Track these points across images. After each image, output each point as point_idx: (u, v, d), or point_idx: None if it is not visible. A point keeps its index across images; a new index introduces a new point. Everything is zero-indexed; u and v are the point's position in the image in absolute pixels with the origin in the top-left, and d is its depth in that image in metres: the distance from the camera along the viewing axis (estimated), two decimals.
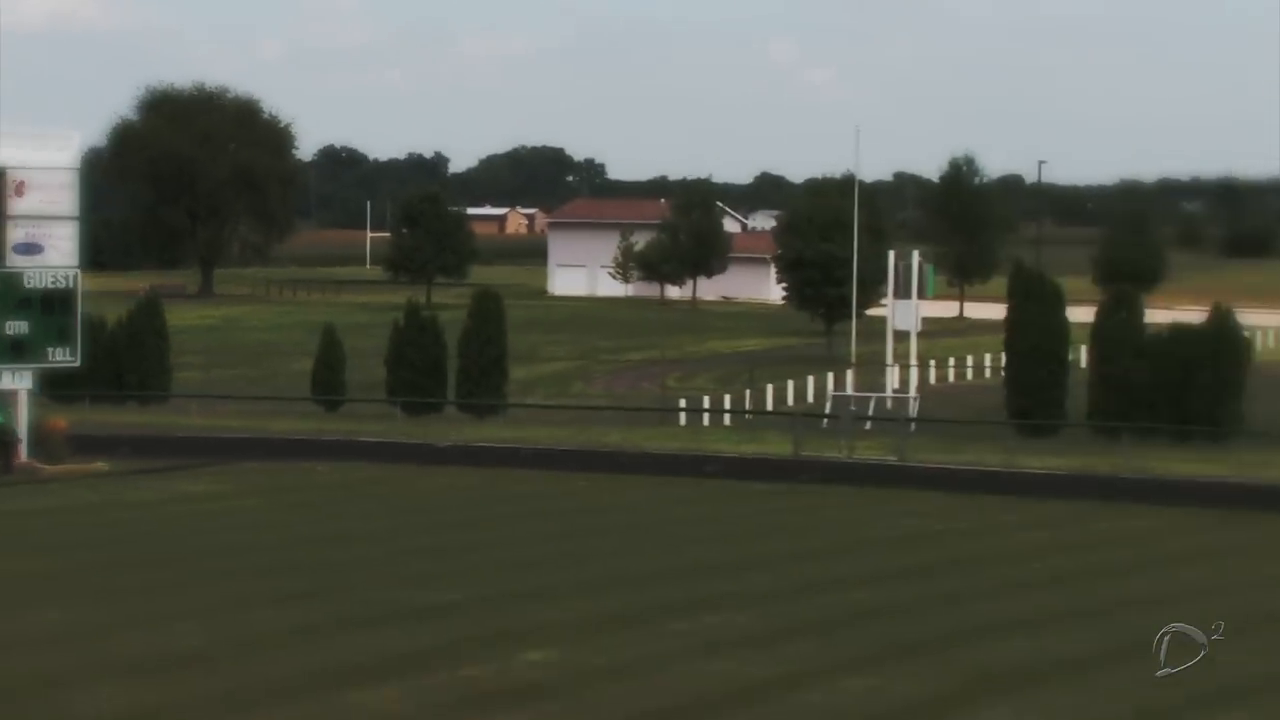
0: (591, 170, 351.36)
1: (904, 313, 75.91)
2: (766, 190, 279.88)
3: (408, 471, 56.97)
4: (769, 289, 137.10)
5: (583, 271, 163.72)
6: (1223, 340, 65.35)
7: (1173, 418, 63.85)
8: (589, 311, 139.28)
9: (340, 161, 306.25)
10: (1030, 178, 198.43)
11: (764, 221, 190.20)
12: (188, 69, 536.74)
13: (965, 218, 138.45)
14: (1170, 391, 64.28)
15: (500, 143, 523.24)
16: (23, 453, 55.69)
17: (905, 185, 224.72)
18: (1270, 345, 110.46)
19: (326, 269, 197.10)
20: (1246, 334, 69.11)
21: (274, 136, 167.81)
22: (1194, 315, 70.71)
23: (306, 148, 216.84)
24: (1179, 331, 66.08)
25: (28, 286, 56.15)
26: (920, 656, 31.62)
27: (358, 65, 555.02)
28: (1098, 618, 35.58)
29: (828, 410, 72.62)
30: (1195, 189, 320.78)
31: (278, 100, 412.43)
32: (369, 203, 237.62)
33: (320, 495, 52.56)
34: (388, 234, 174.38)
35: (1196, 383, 64.06)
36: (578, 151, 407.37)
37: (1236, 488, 54.15)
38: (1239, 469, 57.13)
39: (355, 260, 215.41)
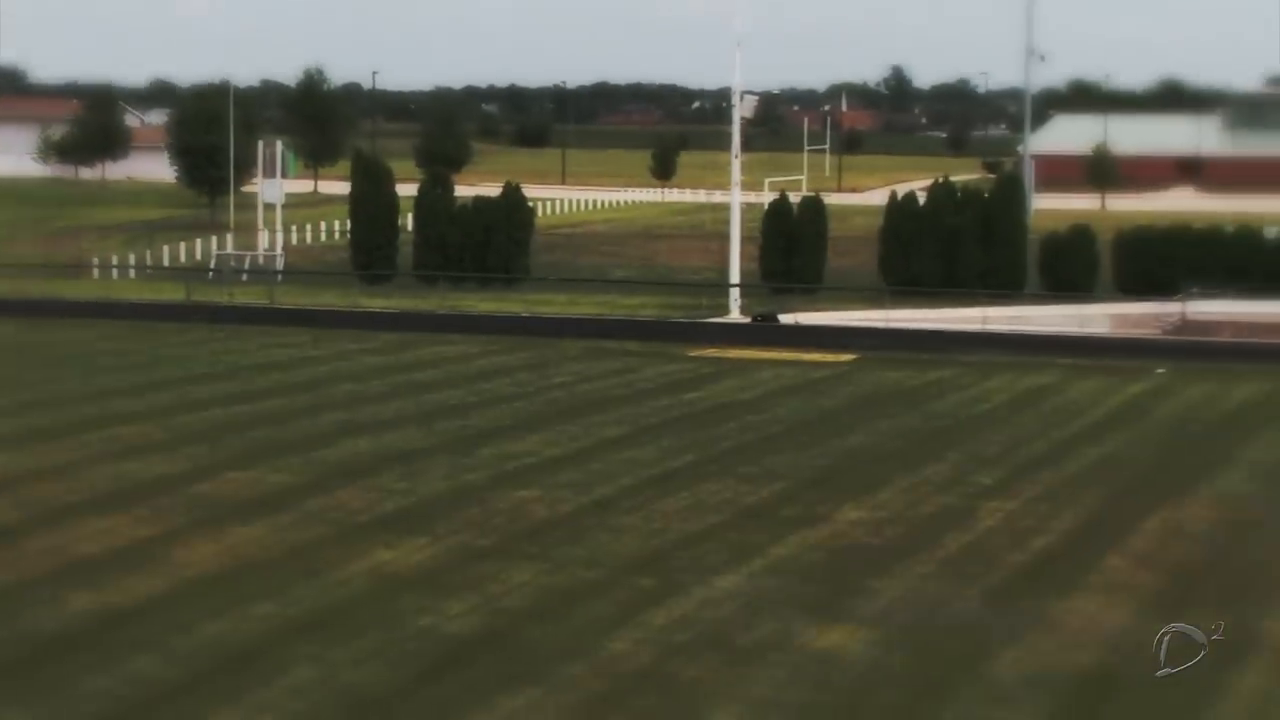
0: (15, 75, 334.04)
1: (270, 189, 75.33)
2: (161, 93, 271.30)
3: None
4: (165, 171, 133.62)
5: (11, 158, 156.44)
6: (514, 210, 66.71)
7: (477, 268, 65.07)
8: (15, 190, 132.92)
9: None
10: (367, 84, 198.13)
11: (159, 118, 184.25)
12: None
13: (317, 116, 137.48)
14: (475, 250, 65.45)
15: None
16: None
17: (270, 90, 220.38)
18: (548, 213, 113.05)
19: None
20: (531, 205, 70.59)
21: None
22: (492, 191, 71.74)
23: None
24: (481, 203, 67.13)
25: None
26: (289, 455, 31.53)
27: None
28: (421, 420, 36.03)
29: (212, 265, 71.56)
30: (491, 94, 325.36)
31: None
32: None
33: None
34: None
35: (495, 242, 65.34)
36: (2, 58, 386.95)
37: (524, 320, 55.53)
38: (526, 306, 58.69)
39: None
